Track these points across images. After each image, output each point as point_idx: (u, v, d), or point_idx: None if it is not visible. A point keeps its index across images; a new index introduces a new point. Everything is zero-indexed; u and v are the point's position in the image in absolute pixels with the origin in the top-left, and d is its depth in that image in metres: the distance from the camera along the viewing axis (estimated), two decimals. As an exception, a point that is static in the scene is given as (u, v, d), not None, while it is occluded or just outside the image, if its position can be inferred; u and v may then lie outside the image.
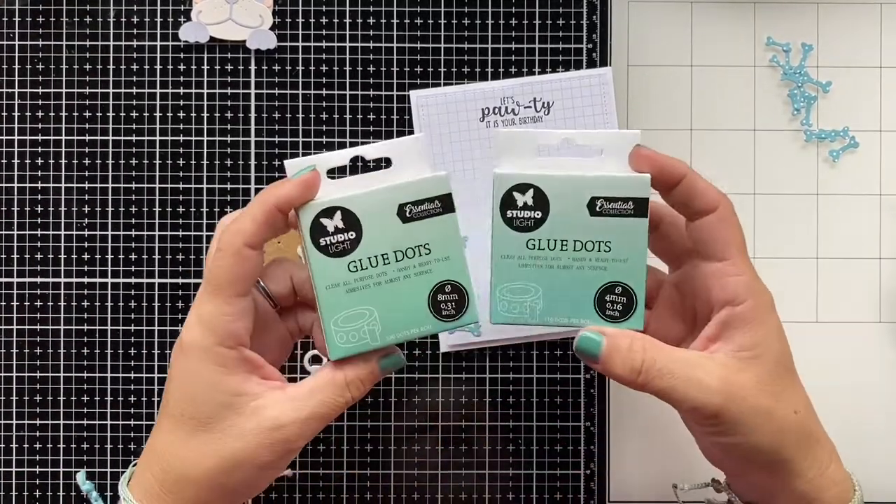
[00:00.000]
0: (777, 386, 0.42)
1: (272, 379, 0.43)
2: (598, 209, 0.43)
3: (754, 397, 0.41)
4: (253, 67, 0.60)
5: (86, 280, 0.59)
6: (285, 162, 0.43)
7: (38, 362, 0.59)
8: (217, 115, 0.60)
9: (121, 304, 0.59)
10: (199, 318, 0.41)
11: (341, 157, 0.44)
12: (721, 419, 0.40)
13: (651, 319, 0.47)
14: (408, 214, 0.43)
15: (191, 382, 0.41)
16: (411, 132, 0.59)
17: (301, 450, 0.43)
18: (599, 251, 0.43)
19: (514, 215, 0.43)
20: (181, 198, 0.60)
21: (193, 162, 0.60)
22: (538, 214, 0.43)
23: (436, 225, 0.43)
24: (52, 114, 0.60)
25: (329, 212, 0.42)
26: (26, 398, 0.59)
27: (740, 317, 0.42)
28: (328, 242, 0.42)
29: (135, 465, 0.44)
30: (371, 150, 0.44)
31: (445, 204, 0.43)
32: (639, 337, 0.41)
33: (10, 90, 0.60)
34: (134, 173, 0.60)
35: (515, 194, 0.43)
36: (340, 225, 0.42)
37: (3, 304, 0.59)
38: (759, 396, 0.41)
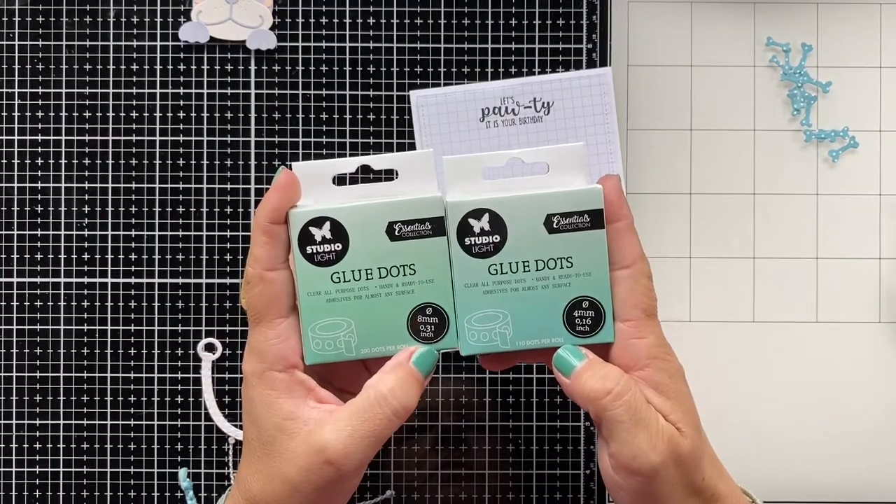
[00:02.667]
0: (700, 456, 0.41)
1: (327, 401, 0.42)
2: (555, 226, 0.42)
3: (686, 469, 0.40)
4: (253, 67, 0.60)
5: (86, 280, 0.59)
6: (293, 164, 0.43)
7: (38, 362, 0.59)
8: (217, 115, 0.60)
9: (121, 304, 0.59)
10: (250, 347, 0.42)
11: (348, 164, 0.44)
12: (651, 480, 0.40)
13: None
14: (396, 233, 0.43)
15: (252, 408, 0.42)
16: (411, 132, 0.59)
17: (362, 470, 0.41)
18: (562, 268, 0.42)
19: (472, 242, 0.42)
20: (181, 198, 0.60)
21: (193, 162, 0.60)
22: (496, 238, 0.42)
23: (424, 246, 0.43)
24: (52, 114, 0.60)
25: (318, 221, 0.42)
26: (26, 398, 0.59)
27: (647, 383, 0.41)
28: (314, 251, 0.43)
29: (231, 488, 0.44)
30: (378, 161, 0.44)
31: (436, 226, 0.43)
32: (618, 369, 0.41)
33: (10, 90, 0.60)
34: (134, 173, 0.60)
35: (471, 221, 0.42)
36: (328, 235, 0.42)
37: (3, 304, 0.59)
38: (690, 468, 0.40)
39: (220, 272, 0.59)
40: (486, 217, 0.42)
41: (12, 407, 0.60)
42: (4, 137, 0.59)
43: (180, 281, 0.59)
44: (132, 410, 0.60)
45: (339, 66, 0.60)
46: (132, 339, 0.59)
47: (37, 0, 0.60)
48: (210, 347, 0.60)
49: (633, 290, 0.42)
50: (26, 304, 0.59)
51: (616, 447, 0.40)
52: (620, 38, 0.60)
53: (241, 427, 0.59)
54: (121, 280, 0.59)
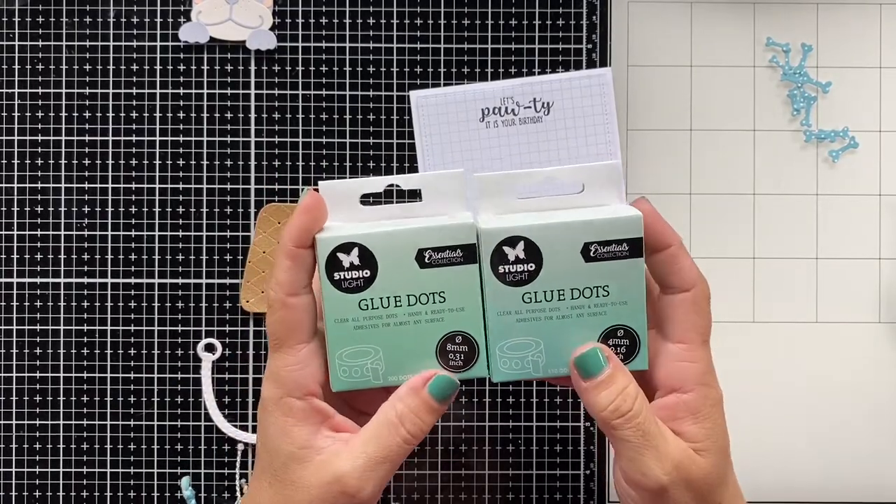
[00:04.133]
0: (721, 478, 0.41)
1: (343, 429, 0.41)
2: (592, 254, 0.41)
3: (698, 491, 0.40)
4: (253, 67, 0.60)
5: (86, 280, 0.59)
6: (320, 183, 0.42)
7: (38, 362, 0.59)
8: (217, 115, 0.60)
9: (121, 304, 0.59)
10: (269, 372, 0.41)
11: (376, 184, 0.43)
12: (661, 498, 0.40)
13: None
14: (426, 260, 0.41)
15: (267, 435, 0.41)
16: (411, 132, 0.59)
17: (378, 497, 0.41)
18: (598, 297, 0.41)
19: (507, 270, 0.41)
20: (181, 198, 0.60)
21: (193, 162, 0.60)
22: (531, 267, 0.41)
23: (454, 274, 0.42)
24: (52, 114, 0.60)
25: (347, 247, 0.41)
26: (26, 398, 0.59)
27: (688, 406, 0.41)
28: (342, 277, 0.41)
29: None
30: (407, 181, 0.43)
31: (468, 254, 0.41)
32: (636, 385, 0.40)
33: (10, 90, 0.60)
34: (134, 173, 0.60)
35: (505, 249, 0.41)
36: (356, 262, 0.41)
37: (3, 304, 0.59)
38: (703, 491, 0.40)
39: (220, 272, 0.59)
40: (521, 245, 0.41)
41: (12, 407, 0.60)
42: (4, 137, 0.59)
43: (180, 281, 0.59)
44: (132, 410, 0.60)
45: (339, 66, 0.60)
46: (132, 339, 0.59)
47: (37, 0, 0.60)
48: (210, 347, 0.60)
49: (691, 313, 0.41)
50: (26, 304, 0.59)
51: (625, 463, 0.40)
52: (620, 38, 0.60)
53: (241, 427, 0.59)
54: (121, 280, 0.59)
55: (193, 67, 0.60)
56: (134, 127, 0.60)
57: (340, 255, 0.41)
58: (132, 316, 0.59)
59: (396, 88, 0.60)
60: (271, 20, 0.59)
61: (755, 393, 0.60)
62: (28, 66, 0.60)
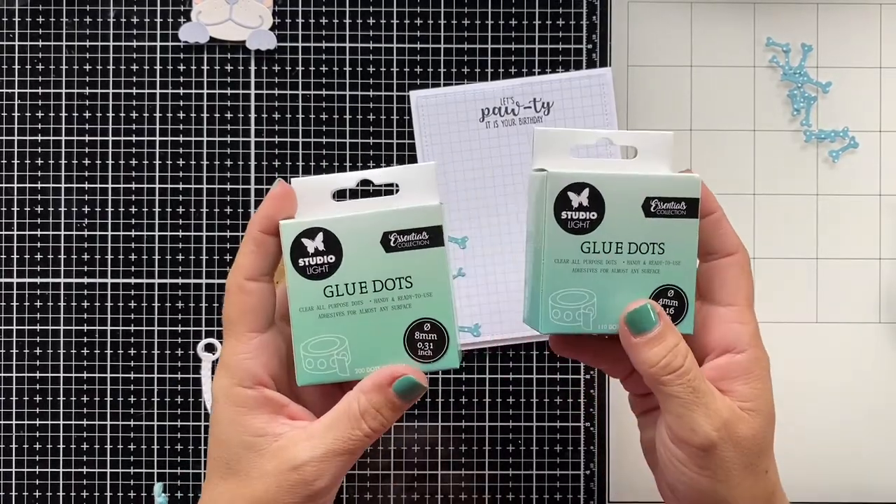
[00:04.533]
0: (765, 444, 0.41)
1: (300, 418, 0.41)
2: (652, 210, 0.41)
3: (745, 450, 0.40)
4: (253, 67, 0.60)
5: (86, 280, 0.59)
6: (292, 180, 0.42)
7: (38, 362, 0.59)
8: (217, 115, 0.60)
9: (121, 304, 0.59)
10: (220, 362, 0.41)
11: (349, 179, 0.42)
12: (708, 455, 0.40)
13: None
14: (392, 244, 0.41)
15: (218, 424, 0.40)
16: (411, 132, 0.59)
17: (336, 488, 0.41)
18: (654, 253, 0.41)
19: (569, 217, 0.41)
20: (181, 198, 0.60)
21: (193, 162, 0.60)
22: (593, 216, 0.41)
23: (421, 258, 0.41)
24: (52, 114, 0.60)
25: (311, 232, 0.41)
26: (26, 398, 0.59)
27: (740, 366, 0.41)
28: (307, 263, 0.41)
29: None
30: (379, 175, 0.43)
31: (434, 236, 0.41)
32: (685, 345, 0.40)
33: (10, 90, 0.60)
34: (134, 173, 0.60)
35: (570, 194, 0.40)
36: (321, 247, 0.41)
37: (3, 304, 0.59)
38: (749, 451, 0.40)
39: (220, 272, 0.59)
40: (585, 192, 0.41)
41: (12, 407, 0.60)
42: (4, 137, 0.59)
43: (180, 281, 0.59)
44: (132, 410, 0.60)
45: (339, 66, 0.60)
46: (132, 339, 0.59)
47: (37, 0, 0.60)
48: (210, 347, 0.60)
49: (739, 276, 0.42)
50: (26, 304, 0.59)
51: (672, 420, 0.40)
52: (620, 38, 0.60)
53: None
54: (121, 280, 0.59)
55: (193, 67, 0.60)
56: (134, 127, 0.60)
57: (305, 241, 0.41)
58: (132, 316, 0.59)
59: (396, 88, 0.60)
60: (271, 20, 0.59)
61: (755, 393, 0.60)
62: (28, 66, 0.60)
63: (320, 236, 0.41)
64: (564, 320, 0.41)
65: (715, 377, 0.41)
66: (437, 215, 0.41)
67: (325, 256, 0.41)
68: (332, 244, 0.41)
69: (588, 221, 0.41)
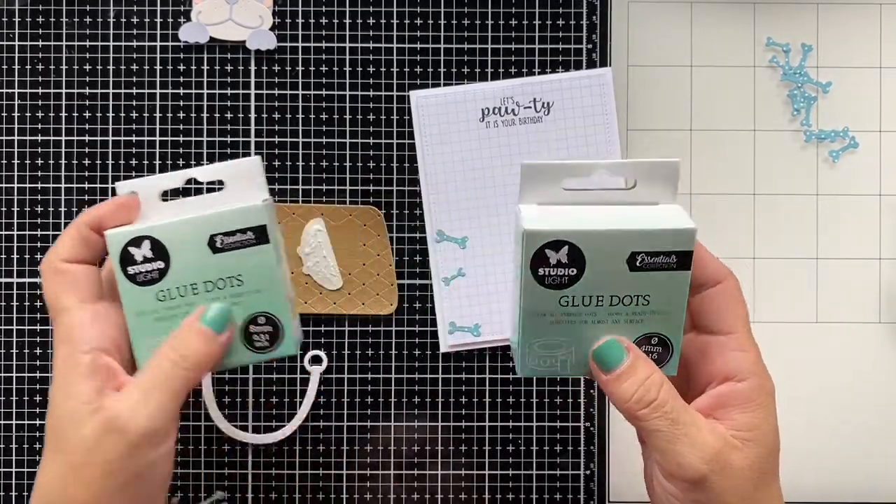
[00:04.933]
0: (765, 476, 0.40)
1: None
2: (638, 264, 0.39)
3: (741, 481, 0.39)
4: (253, 67, 0.60)
5: (86, 280, 0.59)
6: (116, 184, 0.43)
7: (38, 362, 0.59)
8: (217, 115, 0.60)
9: (121, 304, 0.59)
10: (56, 339, 0.40)
11: (174, 179, 0.44)
12: (700, 488, 0.38)
13: None
14: (218, 245, 0.42)
15: (53, 403, 0.39)
16: (411, 132, 0.59)
17: (165, 439, 0.39)
18: (637, 305, 0.40)
19: (547, 273, 0.39)
20: (181, 198, 0.59)
21: (193, 162, 0.60)
22: (572, 272, 0.39)
23: (248, 256, 0.42)
24: (52, 114, 0.60)
25: (137, 241, 0.42)
26: (26, 398, 0.59)
27: (741, 394, 0.40)
28: (136, 272, 0.42)
29: None
30: (203, 173, 0.44)
31: (259, 235, 0.42)
32: (660, 373, 0.39)
33: (10, 90, 0.60)
34: (134, 173, 0.60)
35: (548, 252, 0.39)
36: (149, 254, 0.42)
37: (3, 304, 0.59)
38: (746, 482, 0.39)
39: (220, 272, 0.59)
40: (565, 249, 0.39)
41: (12, 407, 0.60)
42: (4, 138, 0.59)
43: (180, 281, 0.59)
44: (132, 410, 0.59)
45: (339, 66, 0.60)
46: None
47: (37, 0, 0.60)
48: (210, 347, 0.60)
49: (732, 303, 0.40)
50: (26, 304, 0.59)
51: (659, 456, 0.39)
52: (620, 38, 0.60)
53: (241, 427, 0.59)
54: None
55: (193, 67, 0.60)
56: (134, 127, 0.60)
57: (132, 250, 0.42)
58: (132, 316, 0.59)
59: (396, 88, 0.60)
60: (271, 20, 0.59)
61: (755, 393, 0.60)
62: (28, 66, 0.60)
63: (147, 244, 0.42)
64: (542, 365, 0.41)
65: (713, 405, 0.40)
66: (261, 214, 0.42)
67: (153, 263, 0.42)
68: (160, 250, 0.42)
69: (567, 277, 0.39)
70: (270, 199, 0.43)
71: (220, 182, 0.45)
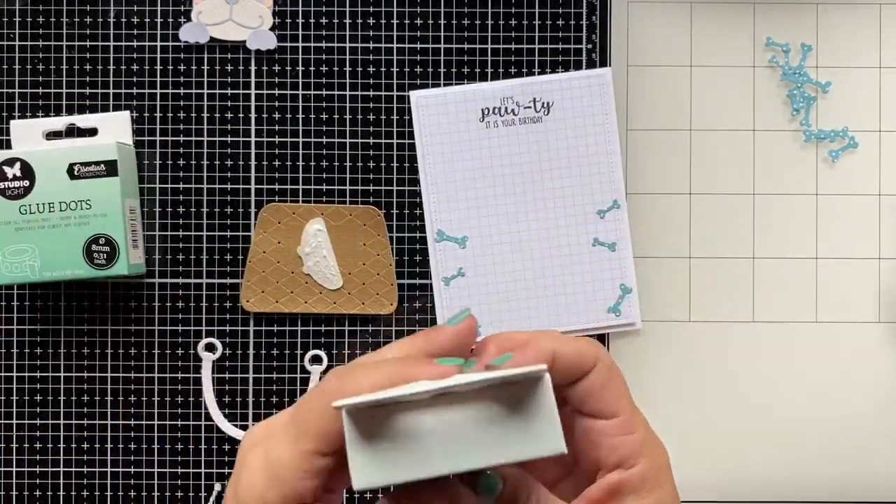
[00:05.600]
0: None
1: None
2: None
3: None
4: (253, 67, 0.60)
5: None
6: (12, 122, 0.57)
7: (38, 362, 0.59)
8: (217, 115, 0.60)
9: (121, 304, 0.59)
10: (268, 463, 0.33)
11: (57, 122, 0.57)
12: None
13: None
14: (76, 173, 0.54)
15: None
16: (411, 132, 0.59)
17: None
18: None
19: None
20: (181, 198, 0.60)
21: (193, 162, 0.60)
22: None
23: (99, 185, 0.54)
24: (52, 114, 0.60)
25: (10, 162, 0.54)
26: (26, 398, 0.59)
27: (634, 481, 0.37)
28: (6, 187, 0.54)
29: None
30: (84, 120, 0.57)
31: (110, 168, 0.54)
32: (536, 490, 0.37)
33: (10, 90, 0.60)
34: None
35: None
36: (18, 174, 0.54)
37: (3, 304, 0.59)
38: None
39: (220, 272, 0.59)
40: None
41: (12, 407, 0.60)
42: (4, 138, 0.59)
43: (180, 281, 0.59)
44: (132, 410, 0.60)
45: (339, 66, 0.60)
46: (132, 339, 0.59)
47: (37, 0, 0.60)
48: (210, 347, 0.60)
49: (607, 383, 0.38)
50: (26, 304, 0.59)
51: None
52: (620, 38, 0.60)
53: (241, 427, 0.59)
54: (121, 280, 0.59)
55: (193, 67, 0.60)
56: (134, 127, 0.60)
57: (5, 168, 0.54)
58: (132, 316, 0.59)
59: (396, 88, 0.60)
60: (271, 20, 0.59)
61: (755, 392, 0.60)
62: (28, 66, 0.60)
63: (17, 165, 0.54)
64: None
65: (607, 497, 0.38)
66: (113, 151, 0.54)
67: (21, 181, 0.54)
68: (27, 172, 0.54)
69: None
70: (130, 146, 0.57)
71: (95, 130, 0.57)
